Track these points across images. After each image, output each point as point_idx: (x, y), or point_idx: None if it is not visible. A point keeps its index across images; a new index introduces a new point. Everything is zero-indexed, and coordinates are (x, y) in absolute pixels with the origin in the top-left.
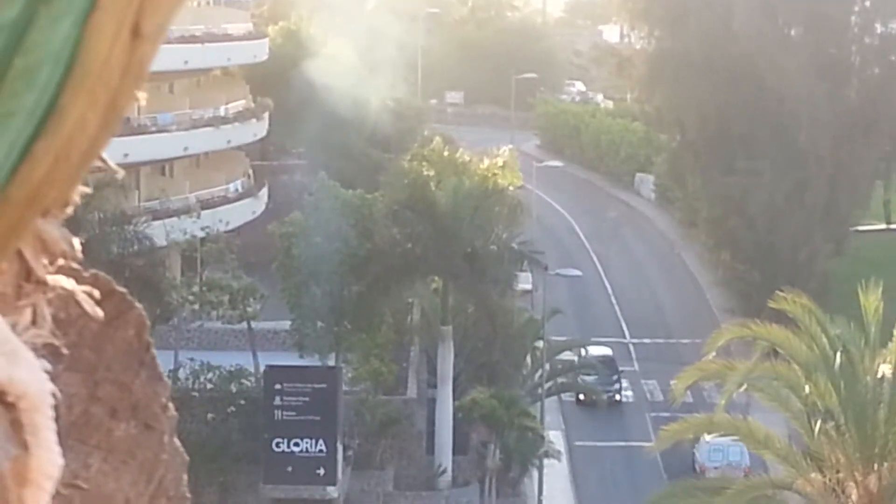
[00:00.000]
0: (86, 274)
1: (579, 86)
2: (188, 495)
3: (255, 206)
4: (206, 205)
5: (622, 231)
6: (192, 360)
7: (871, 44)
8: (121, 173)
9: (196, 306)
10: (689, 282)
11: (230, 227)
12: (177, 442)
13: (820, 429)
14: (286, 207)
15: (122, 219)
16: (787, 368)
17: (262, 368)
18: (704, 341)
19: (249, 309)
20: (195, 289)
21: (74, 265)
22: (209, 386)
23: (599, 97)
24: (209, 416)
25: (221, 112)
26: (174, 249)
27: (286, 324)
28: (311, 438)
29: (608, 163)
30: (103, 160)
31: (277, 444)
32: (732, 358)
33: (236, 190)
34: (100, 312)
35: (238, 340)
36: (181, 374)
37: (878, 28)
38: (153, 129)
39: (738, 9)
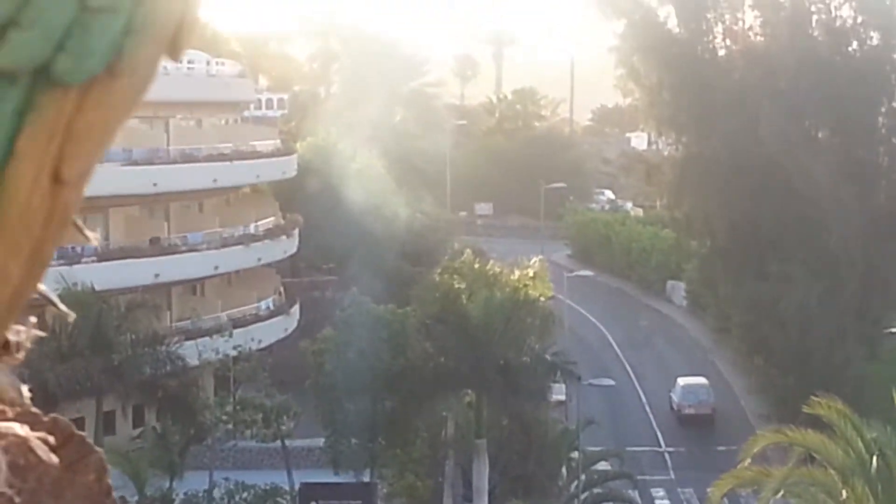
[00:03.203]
0: (45, 419)
1: (608, 194)
2: None
3: (286, 324)
4: (238, 323)
5: (655, 339)
6: (226, 479)
7: None
8: (71, 316)
9: (230, 425)
10: (723, 388)
11: (262, 345)
12: None
13: None
14: (318, 324)
15: (154, 339)
16: (824, 474)
17: (297, 486)
18: (740, 448)
19: (283, 427)
20: (228, 408)
21: (32, 410)
22: None
23: (629, 205)
24: None
25: (251, 229)
26: (207, 369)
27: (320, 441)
28: None
29: (639, 271)
30: (52, 301)
31: None
32: (769, 464)
33: (268, 307)
34: (55, 458)
35: (272, 459)
36: (216, 494)
37: None
38: (184, 248)
39: (765, 113)
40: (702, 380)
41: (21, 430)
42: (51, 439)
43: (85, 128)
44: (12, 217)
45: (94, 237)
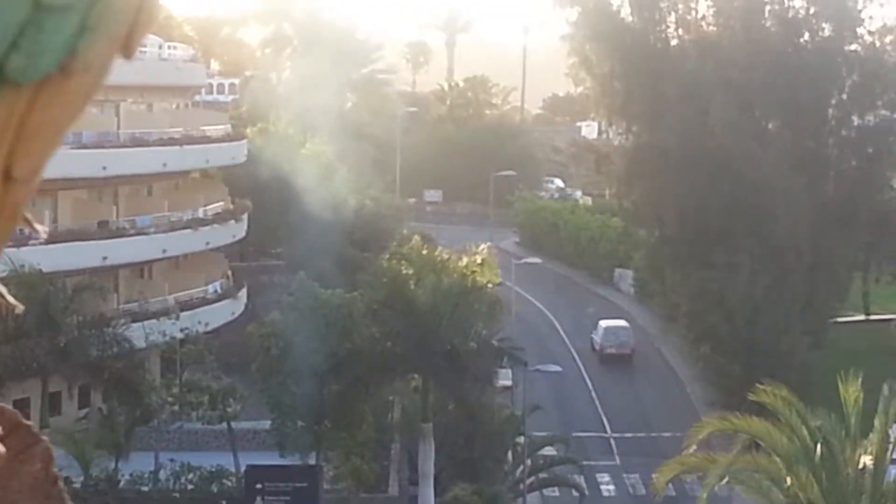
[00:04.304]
0: None
1: (558, 182)
2: None
3: (234, 308)
4: (186, 306)
5: None
6: (172, 461)
7: (847, 136)
8: (20, 308)
9: (176, 407)
10: (669, 375)
11: (209, 328)
12: None
13: None
14: (265, 308)
15: (101, 321)
16: (769, 461)
17: (242, 468)
18: (685, 434)
19: (229, 409)
20: (175, 390)
21: None
22: (190, 487)
23: (578, 193)
24: None
25: (200, 214)
26: (153, 351)
27: (266, 424)
28: None
29: (587, 259)
30: (1, 294)
31: None
32: (714, 451)
33: (215, 291)
34: (1, 448)
35: (218, 441)
36: (162, 475)
37: (855, 120)
38: (132, 231)
39: (716, 103)
40: (622, 322)
41: None
42: None
43: (37, 126)
44: None
45: (42, 230)
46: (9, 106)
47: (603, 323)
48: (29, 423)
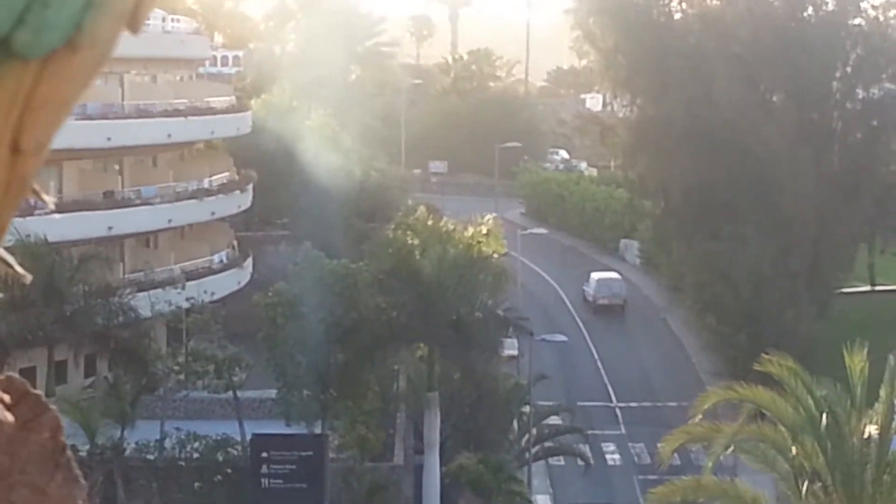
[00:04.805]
0: None
1: (563, 154)
2: None
3: (239, 277)
4: (191, 276)
5: None
6: (178, 429)
7: (852, 108)
8: (28, 277)
9: (182, 376)
10: (674, 346)
11: (215, 297)
12: None
13: (807, 490)
14: (271, 278)
15: (106, 291)
16: (774, 430)
17: (248, 437)
18: (691, 404)
19: (235, 378)
20: (181, 359)
21: None
22: (196, 455)
23: (583, 165)
24: (196, 485)
25: (205, 184)
26: (159, 321)
27: (272, 393)
28: None
29: (593, 229)
30: (9, 264)
31: None
32: (719, 421)
33: (221, 261)
34: (9, 417)
35: (224, 410)
36: (168, 443)
37: (860, 93)
38: (137, 201)
39: (720, 76)
40: (614, 274)
41: None
42: (5, 398)
43: (44, 99)
44: None
45: (50, 200)
46: (16, 80)
47: (595, 275)
48: (37, 392)
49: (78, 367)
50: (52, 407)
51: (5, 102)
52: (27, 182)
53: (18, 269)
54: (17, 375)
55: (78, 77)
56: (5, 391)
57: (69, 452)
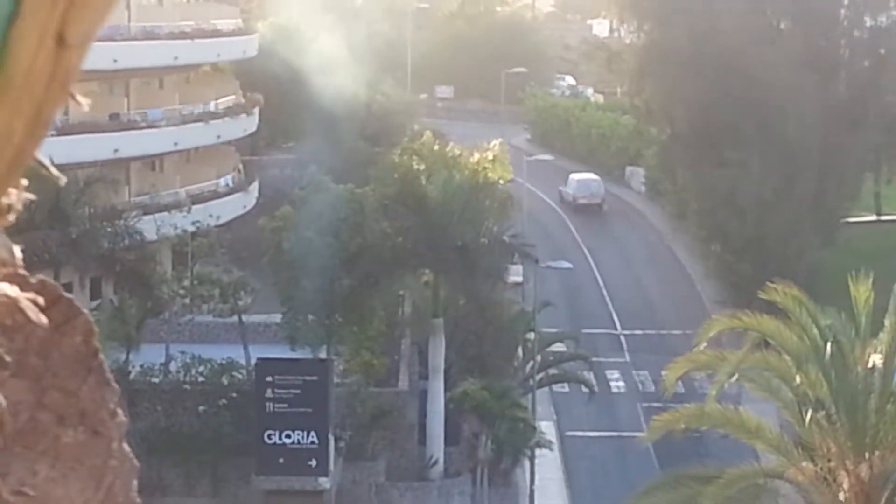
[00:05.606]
0: (32, 280)
1: (569, 80)
2: (138, 501)
3: (245, 201)
4: (197, 199)
5: (612, 223)
6: (183, 353)
7: (860, 37)
8: (63, 179)
9: (187, 300)
10: (679, 273)
11: (221, 221)
12: (126, 447)
13: (811, 418)
14: (277, 202)
15: (112, 214)
16: (778, 359)
17: (253, 361)
18: (695, 332)
19: (240, 302)
20: (186, 283)
21: (21, 272)
22: (200, 379)
23: (589, 91)
24: (201, 408)
25: (211, 107)
26: (164, 244)
27: (277, 317)
28: (302, 430)
29: (598, 156)
30: (44, 165)
31: (269, 437)
32: (723, 349)
33: (227, 185)
34: (44, 319)
35: (229, 334)
36: (172, 367)
37: (867, 21)
38: (143, 124)
39: (727, 2)
40: (593, 175)
41: (10, 290)
42: (40, 300)
43: None
44: (17, 77)
45: (85, 102)
46: None
47: (574, 176)
48: (70, 296)
49: (83, 289)
50: (85, 311)
51: None
52: (71, 76)
53: (54, 171)
54: (49, 279)
55: None
56: (39, 294)
57: (101, 356)
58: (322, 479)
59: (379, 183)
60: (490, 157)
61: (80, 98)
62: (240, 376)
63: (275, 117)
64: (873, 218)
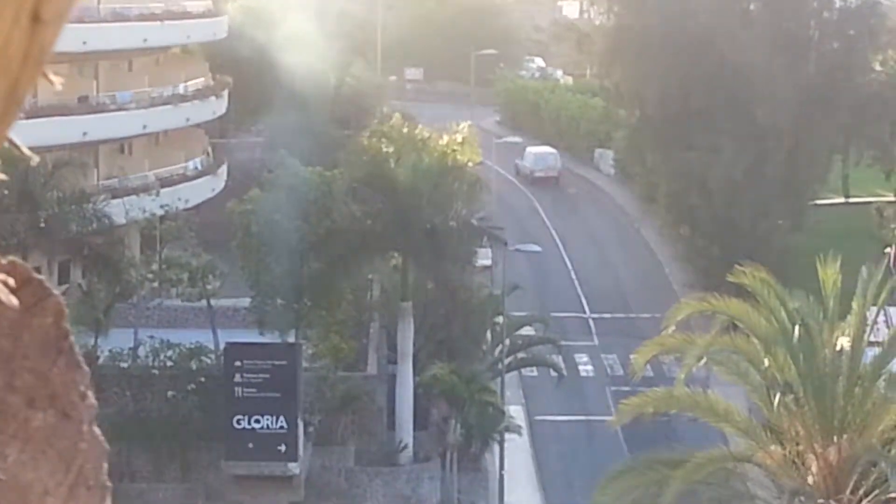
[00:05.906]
0: (3, 261)
1: (539, 62)
2: (108, 484)
3: (214, 184)
4: (166, 183)
5: (582, 206)
6: (151, 337)
7: (829, 18)
8: (35, 159)
9: (155, 284)
10: (648, 256)
11: (189, 204)
12: (96, 430)
13: (779, 402)
14: (245, 185)
15: (80, 197)
16: (747, 342)
17: (221, 346)
18: (664, 316)
19: (209, 286)
20: (154, 267)
21: None
22: (169, 363)
23: (559, 73)
24: (169, 393)
25: (180, 90)
26: (133, 227)
27: (246, 301)
28: (271, 415)
29: (568, 138)
30: (16, 145)
31: (238, 421)
32: (692, 332)
33: (195, 168)
34: (14, 301)
35: (198, 318)
36: (141, 351)
37: (837, 2)
38: (112, 107)
39: None
40: (549, 149)
41: None
42: (10, 281)
43: None
44: None
45: (58, 80)
46: None
47: (531, 149)
48: (40, 277)
49: (51, 273)
50: (56, 292)
51: None
52: (45, 53)
53: (26, 151)
54: (20, 260)
55: None
56: (9, 275)
57: (72, 338)
58: (291, 465)
59: (348, 166)
60: (459, 139)
61: (52, 77)
62: (208, 361)
63: (244, 99)
64: (841, 200)
